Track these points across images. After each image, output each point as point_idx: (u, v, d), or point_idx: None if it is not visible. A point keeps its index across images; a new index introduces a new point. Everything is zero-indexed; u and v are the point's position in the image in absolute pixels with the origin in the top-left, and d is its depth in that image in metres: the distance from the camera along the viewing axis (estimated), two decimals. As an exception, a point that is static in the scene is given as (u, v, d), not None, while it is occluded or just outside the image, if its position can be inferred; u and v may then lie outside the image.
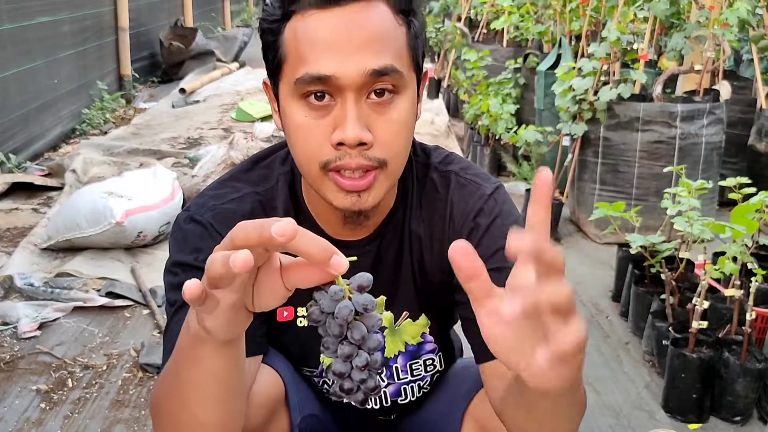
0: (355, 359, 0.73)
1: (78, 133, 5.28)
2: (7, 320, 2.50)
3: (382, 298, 1.13)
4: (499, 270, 1.00)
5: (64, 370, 2.26)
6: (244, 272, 0.64)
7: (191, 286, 0.66)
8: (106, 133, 5.35)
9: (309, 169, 0.97)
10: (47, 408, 2.08)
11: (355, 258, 0.70)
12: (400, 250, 1.12)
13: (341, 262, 0.65)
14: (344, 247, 1.08)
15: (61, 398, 2.12)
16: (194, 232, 1.04)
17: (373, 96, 0.93)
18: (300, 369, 1.20)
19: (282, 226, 0.63)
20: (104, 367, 2.28)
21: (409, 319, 1.16)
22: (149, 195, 3.10)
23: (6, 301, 2.66)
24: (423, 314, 1.16)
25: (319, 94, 0.92)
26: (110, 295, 2.71)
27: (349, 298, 0.71)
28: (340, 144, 0.92)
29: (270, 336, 1.12)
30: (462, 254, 0.65)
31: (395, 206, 1.10)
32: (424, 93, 1.08)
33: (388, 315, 1.15)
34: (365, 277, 0.71)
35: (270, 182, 1.10)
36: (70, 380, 2.21)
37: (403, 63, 0.95)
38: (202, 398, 0.82)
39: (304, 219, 1.10)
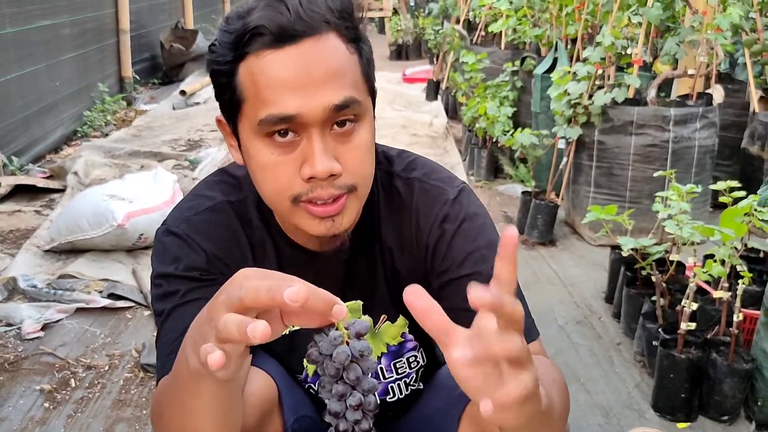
0: (349, 398, 0.76)
1: (79, 135, 5.32)
2: (11, 321, 2.54)
3: (359, 303, 1.15)
4: (472, 276, 1.04)
5: (67, 370, 2.31)
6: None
7: (217, 360, 0.69)
8: (107, 135, 5.39)
9: (279, 202, 0.99)
10: (51, 407, 2.12)
11: (357, 302, 0.75)
12: (371, 259, 1.14)
13: (342, 310, 0.70)
14: (316, 258, 1.11)
15: (64, 398, 2.17)
16: (173, 244, 1.08)
17: (336, 127, 0.95)
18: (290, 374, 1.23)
19: (295, 292, 0.66)
20: (106, 368, 2.33)
21: (387, 322, 1.19)
22: (150, 197, 3.14)
23: (9, 302, 2.70)
24: (400, 315, 1.18)
25: (283, 132, 0.94)
26: (112, 296, 2.75)
27: (347, 343, 0.75)
28: (311, 178, 0.94)
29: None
30: (414, 296, 0.70)
31: (362, 216, 1.11)
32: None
33: (366, 319, 1.18)
34: (363, 325, 0.76)
35: (243, 192, 1.12)
36: (72, 380, 2.25)
37: (360, 91, 0.97)
38: (205, 419, 0.85)
39: (276, 233, 1.11)
